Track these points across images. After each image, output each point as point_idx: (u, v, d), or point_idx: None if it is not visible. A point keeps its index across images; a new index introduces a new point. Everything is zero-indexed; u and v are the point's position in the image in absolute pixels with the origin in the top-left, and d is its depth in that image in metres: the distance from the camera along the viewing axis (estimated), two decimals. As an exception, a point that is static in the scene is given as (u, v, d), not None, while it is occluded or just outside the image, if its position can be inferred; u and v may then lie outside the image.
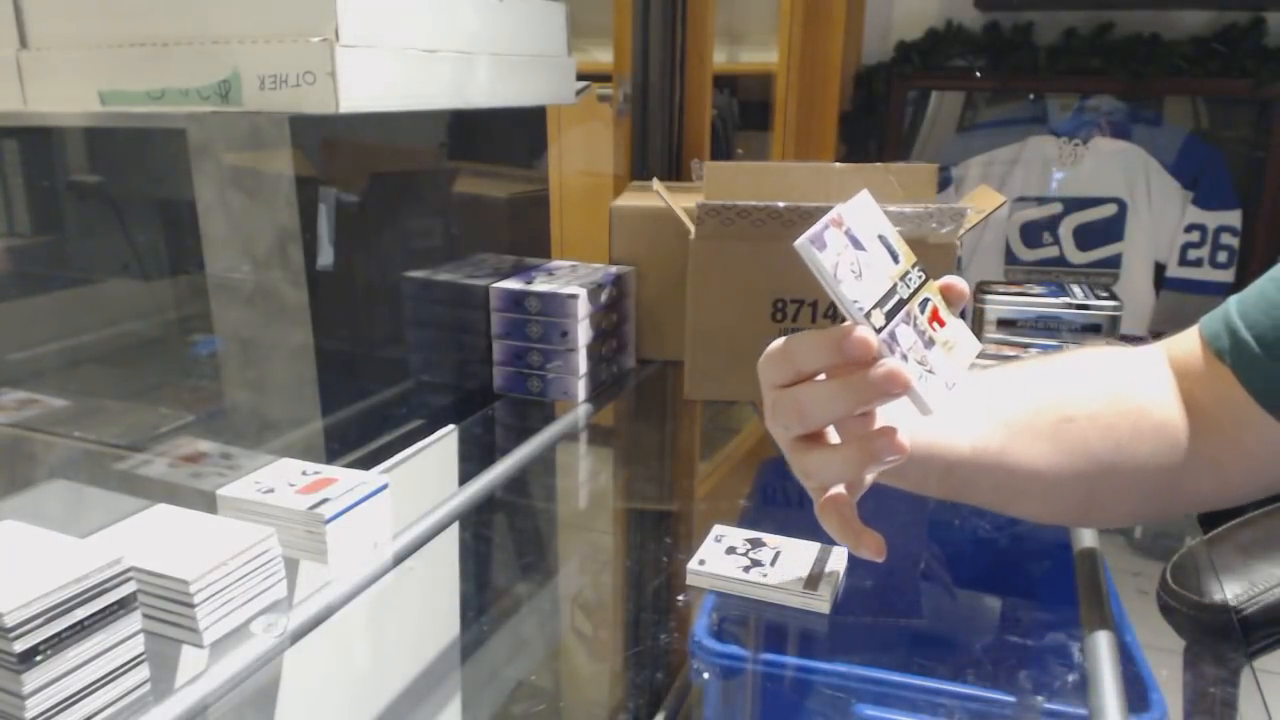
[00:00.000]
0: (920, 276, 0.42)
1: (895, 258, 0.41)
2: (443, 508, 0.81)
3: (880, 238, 0.41)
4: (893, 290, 0.40)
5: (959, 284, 0.43)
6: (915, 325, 0.41)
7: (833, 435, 0.46)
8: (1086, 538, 0.78)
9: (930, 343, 0.41)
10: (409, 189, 1.22)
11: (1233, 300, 0.54)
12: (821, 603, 0.71)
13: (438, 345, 1.13)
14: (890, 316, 0.40)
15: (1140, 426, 0.53)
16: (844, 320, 0.40)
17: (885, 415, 0.44)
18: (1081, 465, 0.52)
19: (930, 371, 0.40)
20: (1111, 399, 0.54)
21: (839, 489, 0.46)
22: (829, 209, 0.41)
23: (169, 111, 0.73)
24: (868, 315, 0.39)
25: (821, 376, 0.43)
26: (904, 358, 0.39)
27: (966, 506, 0.65)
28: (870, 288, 0.39)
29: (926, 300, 0.42)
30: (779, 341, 0.44)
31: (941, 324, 0.42)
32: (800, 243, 0.38)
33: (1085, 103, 2.27)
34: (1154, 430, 0.53)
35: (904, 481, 0.53)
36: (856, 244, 0.39)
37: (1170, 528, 0.85)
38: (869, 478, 0.48)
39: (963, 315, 0.44)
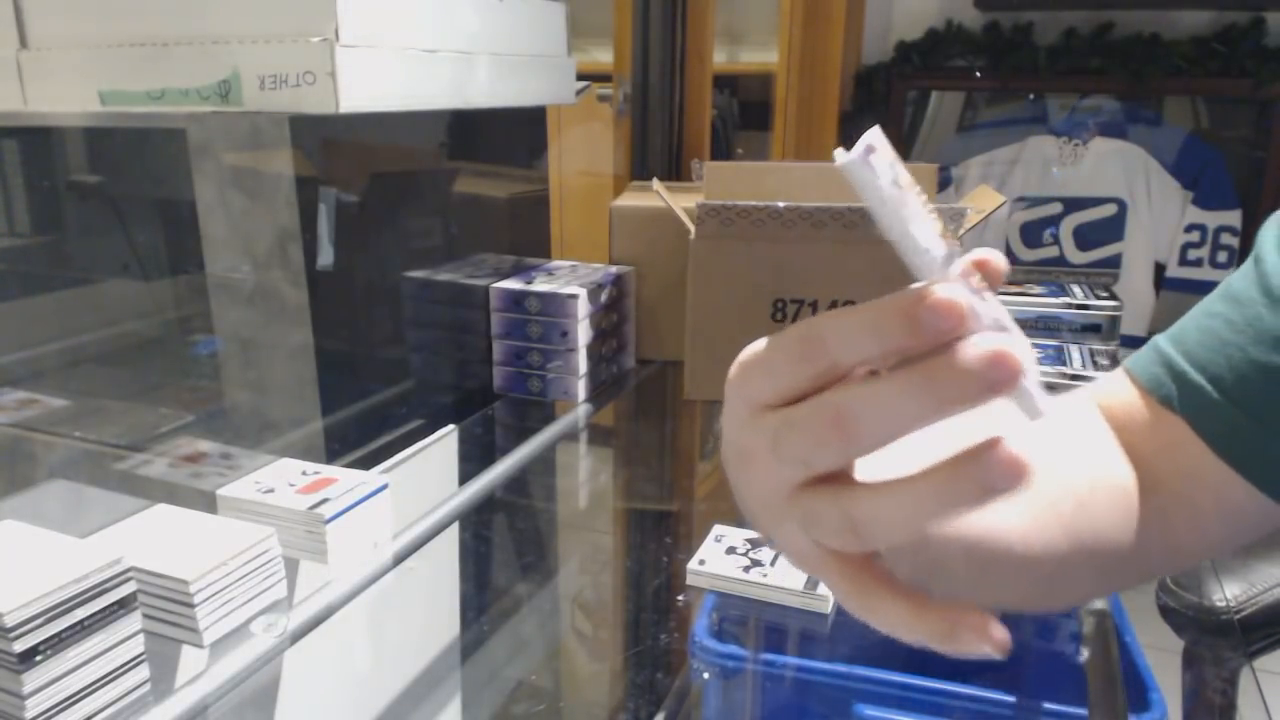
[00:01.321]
0: (957, 243, 0.29)
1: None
2: (443, 508, 0.81)
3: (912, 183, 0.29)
4: (950, 251, 0.27)
5: (997, 259, 0.29)
6: (982, 299, 0.27)
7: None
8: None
9: (999, 326, 0.27)
10: (409, 189, 1.22)
11: (1163, 340, 0.47)
12: (822, 603, 0.71)
13: (438, 345, 1.13)
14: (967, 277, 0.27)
15: (1098, 486, 0.46)
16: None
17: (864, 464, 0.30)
18: (1050, 532, 0.43)
19: None
20: (1074, 457, 0.47)
21: (865, 556, 0.31)
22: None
23: (169, 111, 0.73)
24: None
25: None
26: None
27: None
28: (932, 237, 0.27)
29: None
30: (785, 333, 0.28)
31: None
32: (851, 160, 0.26)
33: (1080, 103, 2.27)
34: (1111, 491, 0.46)
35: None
36: (895, 184, 0.27)
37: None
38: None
39: None
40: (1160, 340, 0.48)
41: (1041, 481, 0.40)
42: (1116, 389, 0.49)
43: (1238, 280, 0.46)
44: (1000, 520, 0.41)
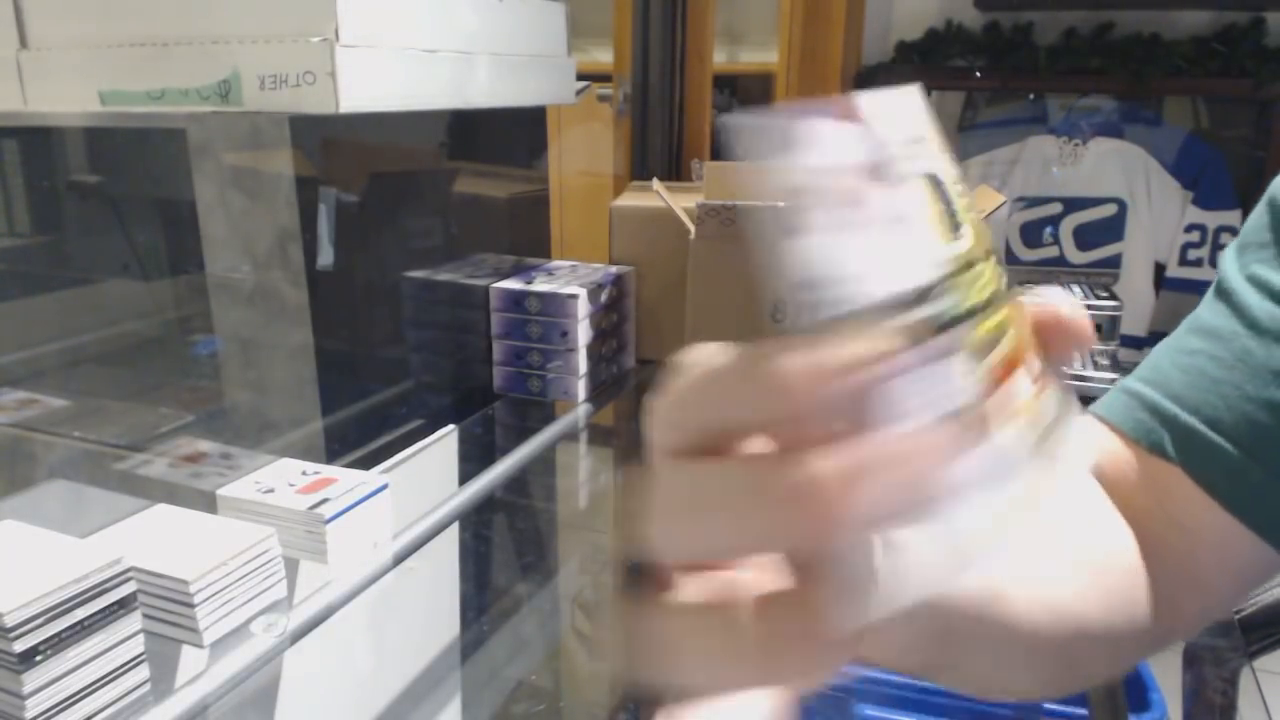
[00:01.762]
0: (999, 279, 0.22)
1: (956, 225, 0.22)
2: (443, 508, 0.81)
3: (932, 178, 0.21)
4: (937, 289, 0.19)
5: (1073, 316, 0.22)
6: (952, 375, 0.19)
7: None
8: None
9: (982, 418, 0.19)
10: (409, 189, 1.22)
11: (1137, 384, 0.43)
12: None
13: (438, 345, 1.13)
14: (918, 339, 0.19)
15: (1110, 568, 0.41)
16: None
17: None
18: (1067, 616, 0.39)
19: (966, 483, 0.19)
20: (1083, 536, 0.41)
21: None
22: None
23: (169, 111, 0.73)
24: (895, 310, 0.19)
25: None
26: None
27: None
28: (901, 260, 0.19)
29: (999, 337, 0.21)
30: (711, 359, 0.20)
31: (1011, 386, 0.21)
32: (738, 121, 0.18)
33: (1080, 103, 2.27)
34: (1121, 572, 0.41)
35: (881, 650, 0.32)
36: (882, 173, 0.20)
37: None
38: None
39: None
40: (1133, 384, 0.44)
41: (1064, 568, 0.39)
42: (1099, 440, 0.44)
43: (1208, 315, 0.43)
44: (1030, 614, 0.37)
